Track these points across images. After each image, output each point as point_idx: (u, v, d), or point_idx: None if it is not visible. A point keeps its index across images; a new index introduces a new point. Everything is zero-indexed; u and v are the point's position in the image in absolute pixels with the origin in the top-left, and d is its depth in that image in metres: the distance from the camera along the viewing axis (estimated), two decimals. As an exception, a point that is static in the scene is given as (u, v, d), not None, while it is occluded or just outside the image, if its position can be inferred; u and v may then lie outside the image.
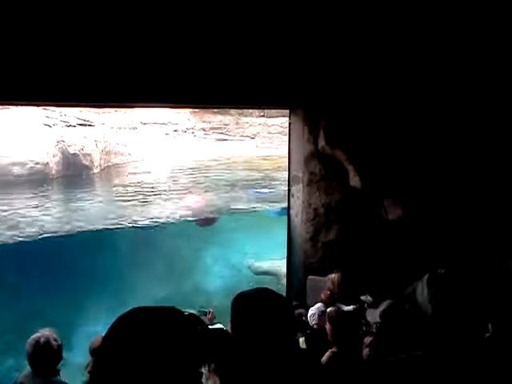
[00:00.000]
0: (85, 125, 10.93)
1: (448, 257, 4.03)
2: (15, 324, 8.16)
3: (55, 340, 3.38)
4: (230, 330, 1.68)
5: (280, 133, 12.82)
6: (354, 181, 5.05)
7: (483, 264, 3.98)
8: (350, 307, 4.42)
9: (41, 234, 7.95)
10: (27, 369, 3.43)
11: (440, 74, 4.85)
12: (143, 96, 4.52)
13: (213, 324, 4.70)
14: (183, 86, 4.55)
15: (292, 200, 5.52)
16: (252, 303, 1.60)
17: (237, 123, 13.80)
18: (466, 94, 4.85)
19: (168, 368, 1.10)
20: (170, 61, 4.42)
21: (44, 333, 3.40)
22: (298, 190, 5.42)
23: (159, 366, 1.09)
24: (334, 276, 4.71)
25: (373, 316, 3.65)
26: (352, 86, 4.93)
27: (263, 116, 13.97)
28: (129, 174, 10.77)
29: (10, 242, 7.74)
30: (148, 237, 9.56)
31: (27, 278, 8.43)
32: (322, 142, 5.10)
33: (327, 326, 3.70)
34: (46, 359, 3.31)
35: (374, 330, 3.38)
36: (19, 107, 9.51)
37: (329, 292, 4.66)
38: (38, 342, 3.31)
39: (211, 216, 9.02)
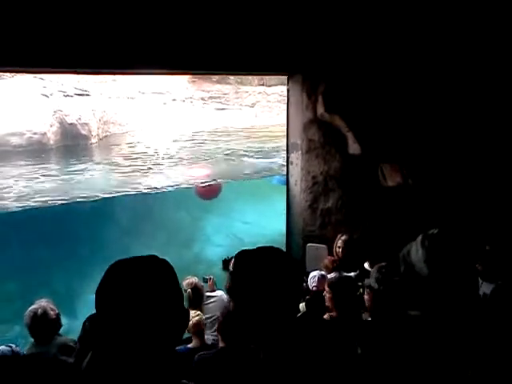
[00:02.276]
0: (82, 95, 10.81)
1: (445, 221, 4.05)
2: (22, 293, 8.30)
3: (52, 310, 3.47)
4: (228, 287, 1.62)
5: (279, 101, 12.68)
6: (353, 148, 5.02)
7: (477, 225, 4.01)
8: (352, 274, 4.47)
9: (41, 204, 7.97)
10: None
11: (444, 40, 4.76)
12: (141, 62, 4.44)
13: (214, 290, 4.76)
14: (181, 52, 4.47)
15: (291, 167, 5.51)
16: (256, 259, 1.53)
17: (236, 92, 13.63)
18: (469, 59, 4.78)
19: (158, 308, 1.17)
20: (168, 26, 4.33)
21: (40, 304, 3.48)
22: (297, 158, 5.39)
23: (149, 306, 1.16)
24: (341, 239, 4.75)
25: (367, 280, 3.66)
26: (352, 51, 4.85)
27: (262, 85, 13.79)
28: (127, 143, 10.72)
29: (14, 211, 7.79)
30: (148, 205, 9.59)
31: (28, 247, 8.49)
32: (320, 109, 5.04)
33: (326, 292, 3.72)
34: (46, 329, 3.40)
35: (367, 294, 3.39)
36: (16, 77, 9.39)
37: (332, 257, 4.70)
38: (35, 313, 3.38)
39: (214, 185, 8.94)
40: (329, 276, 4.50)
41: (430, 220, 4.51)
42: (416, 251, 1.53)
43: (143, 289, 1.17)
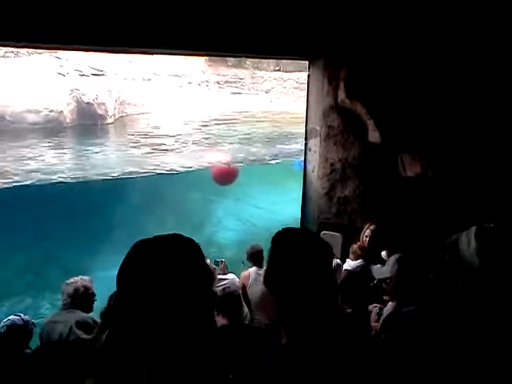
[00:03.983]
0: (98, 75, 10.81)
1: (468, 214, 3.98)
2: (33, 266, 8.43)
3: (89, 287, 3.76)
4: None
5: (296, 88, 12.57)
6: (373, 136, 4.94)
7: None
8: (359, 262, 4.45)
9: (57, 180, 8.05)
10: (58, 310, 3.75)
11: (472, 29, 4.64)
12: (159, 41, 4.38)
13: (225, 273, 4.77)
14: (201, 32, 4.40)
15: (309, 154, 5.45)
16: (295, 239, 1.50)
17: (252, 77, 13.55)
18: (495, 49, 4.65)
19: (183, 287, 1.13)
20: (189, 5, 4.26)
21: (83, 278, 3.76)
22: (315, 144, 5.33)
23: (174, 286, 1.12)
24: (369, 229, 4.65)
25: (379, 272, 3.60)
26: (375, 37, 4.74)
27: (279, 70, 13.68)
28: (142, 124, 10.73)
29: (28, 185, 7.87)
30: (161, 186, 9.62)
31: (43, 221, 8.58)
32: (342, 95, 4.96)
33: None
34: (87, 301, 3.67)
35: (384, 285, 3.35)
36: (33, 55, 9.39)
37: (361, 244, 4.63)
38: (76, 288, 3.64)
39: (232, 170, 8.88)
40: (352, 263, 4.49)
41: (448, 212, 4.44)
42: (467, 242, 1.50)
43: (168, 268, 1.13)
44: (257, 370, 1.36)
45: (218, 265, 4.79)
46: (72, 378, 2.66)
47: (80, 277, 3.74)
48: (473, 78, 4.71)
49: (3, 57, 9.88)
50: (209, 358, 1.20)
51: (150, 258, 1.15)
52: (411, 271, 2.54)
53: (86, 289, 3.66)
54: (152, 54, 7.51)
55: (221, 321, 3.39)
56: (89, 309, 3.67)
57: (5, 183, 7.85)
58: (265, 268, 1.56)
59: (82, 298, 3.62)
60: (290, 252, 1.47)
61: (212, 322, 1.25)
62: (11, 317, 3.38)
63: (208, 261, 4.41)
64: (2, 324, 3.33)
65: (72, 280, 3.69)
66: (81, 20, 3.94)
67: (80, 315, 3.55)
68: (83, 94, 9.99)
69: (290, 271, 1.44)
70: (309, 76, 5.38)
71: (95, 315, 3.57)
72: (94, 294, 3.72)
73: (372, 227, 4.64)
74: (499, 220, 1.57)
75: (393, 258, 2.91)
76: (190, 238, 1.22)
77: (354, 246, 4.62)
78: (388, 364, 1.56)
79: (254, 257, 4.76)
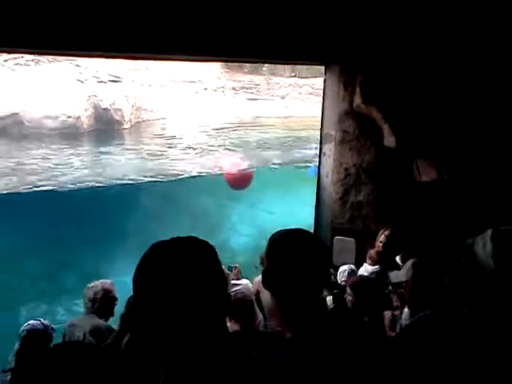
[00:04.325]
0: (115, 81, 10.97)
1: (483, 218, 3.93)
2: (48, 273, 8.51)
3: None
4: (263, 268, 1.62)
5: (311, 94, 12.57)
6: (389, 141, 4.92)
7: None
8: (375, 268, 4.42)
9: (73, 185, 8.15)
10: (75, 318, 3.81)
11: (488, 34, 4.61)
12: (176, 47, 4.43)
13: (239, 279, 4.78)
14: (217, 38, 4.45)
15: (323, 159, 5.45)
16: (288, 239, 1.55)
17: (267, 83, 13.59)
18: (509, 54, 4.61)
19: (198, 289, 1.13)
20: (205, 11, 4.31)
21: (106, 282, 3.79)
22: (330, 149, 5.33)
23: (189, 288, 1.12)
24: (384, 234, 4.63)
25: (395, 277, 3.56)
26: (391, 42, 4.73)
27: (294, 76, 13.70)
28: (158, 129, 10.84)
29: (44, 190, 7.99)
30: (175, 191, 9.68)
31: (58, 227, 8.68)
32: (357, 100, 4.96)
33: (348, 294, 3.59)
34: (107, 305, 3.68)
35: (402, 291, 3.33)
36: (53, 63, 9.57)
37: (378, 249, 4.61)
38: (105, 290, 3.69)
39: (246, 175, 8.90)
40: (369, 268, 4.47)
41: (464, 217, 4.40)
42: (483, 245, 1.49)
43: (183, 270, 1.13)
44: (265, 369, 1.37)
45: (231, 270, 4.80)
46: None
47: (101, 280, 3.75)
48: (489, 84, 4.67)
49: (24, 65, 10.10)
50: (222, 361, 1.18)
51: (166, 259, 1.15)
52: (426, 275, 2.53)
53: (107, 292, 3.65)
54: (169, 59, 7.59)
55: (233, 327, 3.38)
56: (109, 313, 3.65)
57: (21, 188, 7.99)
58: (262, 269, 1.59)
59: (102, 302, 3.62)
60: (286, 251, 1.51)
61: (225, 325, 1.25)
62: (31, 321, 3.39)
63: (222, 266, 4.42)
64: (22, 328, 3.35)
65: (93, 284, 3.71)
66: (99, 27, 4.00)
67: (95, 322, 3.55)
68: (100, 100, 10.15)
69: (287, 269, 1.48)
70: (325, 81, 5.38)
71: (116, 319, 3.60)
72: (115, 298, 3.70)
73: (386, 233, 4.62)
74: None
75: (409, 263, 2.90)
76: (205, 241, 1.23)
77: (372, 252, 4.61)
78: (397, 363, 1.55)
79: None
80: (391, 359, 1.57)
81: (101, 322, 3.60)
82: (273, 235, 1.58)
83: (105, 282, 3.76)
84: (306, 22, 4.66)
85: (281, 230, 1.59)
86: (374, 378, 1.44)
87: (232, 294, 4.12)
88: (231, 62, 9.84)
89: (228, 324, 3.45)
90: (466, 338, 1.47)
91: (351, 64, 4.98)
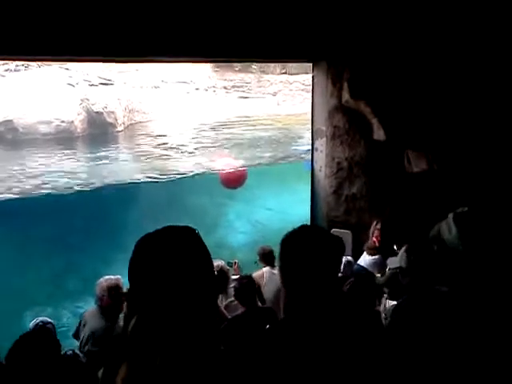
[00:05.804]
0: (107, 84, 10.97)
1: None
2: (54, 276, 8.55)
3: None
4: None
5: (302, 90, 12.60)
6: (378, 134, 5.03)
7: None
8: (374, 258, 4.53)
9: (70, 189, 8.19)
10: (92, 307, 3.79)
11: (474, 26, 4.70)
12: (165, 49, 4.50)
13: (238, 274, 4.85)
14: (205, 39, 4.52)
15: (316, 154, 5.54)
16: (302, 237, 1.61)
17: (258, 81, 13.61)
18: (498, 45, 4.70)
19: (187, 268, 1.23)
20: (192, 13, 4.38)
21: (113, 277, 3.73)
22: (322, 144, 5.43)
23: (179, 269, 1.21)
24: (376, 229, 4.77)
25: (392, 262, 3.68)
26: (377, 37, 4.82)
27: (285, 73, 13.72)
28: (152, 131, 10.87)
29: (43, 196, 8.02)
30: (172, 191, 9.73)
31: (59, 231, 8.72)
32: (345, 95, 5.05)
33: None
34: (114, 300, 3.60)
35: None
36: (42, 67, 9.59)
37: (376, 240, 4.75)
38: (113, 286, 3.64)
39: (240, 173, 8.95)
40: (370, 258, 4.58)
41: (454, 205, 4.49)
42: (449, 230, 1.56)
43: (170, 250, 1.23)
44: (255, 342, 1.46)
45: (231, 266, 4.89)
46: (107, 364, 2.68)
47: (108, 276, 3.73)
48: (475, 74, 4.76)
49: (14, 70, 10.09)
50: (215, 342, 1.30)
51: (152, 248, 1.27)
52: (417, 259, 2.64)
53: (111, 289, 3.63)
54: (159, 62, 7.63)
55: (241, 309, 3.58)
56: (117, 310, 3.59)
57: (23, 194, 8.03)
58: (279, 265, 1.65)
59: (109, 298, 3.60)
60: (303, 245, 1.58)
61: (216, 307, 1.34)
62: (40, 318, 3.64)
63: (222, 262, 4.51)
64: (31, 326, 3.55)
65: (100, 280, 3.71)
66: (88, 32, 4.06)
67: (95, 324, 3.59)
68: (93, 104, 10.15)
69: (303, 263, 1.55)
70: (313, 78, 5.47)
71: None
72: (121, 294, 3.61)
73: (379, 226, 4.75)
74: (473, 203, 1.64)
75: (402, 249, 3.00)
76: (185, 226, 1.33)
77: (370, 243, 4.72)
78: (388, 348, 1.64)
79: (266, 257, 4.85)
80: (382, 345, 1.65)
81: (99, 324, 3.59)
82: (287, 232, 1.64)
83: (111, 277, 3.70)
84: (292, 20, 4.74)
85: (297, 227, 1.64)
86: (364, 363, 1.52)
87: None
88: (220, 62, 9.89)
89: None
90: (448, 314, 1.56)
91: (338, 60, 5.07)
